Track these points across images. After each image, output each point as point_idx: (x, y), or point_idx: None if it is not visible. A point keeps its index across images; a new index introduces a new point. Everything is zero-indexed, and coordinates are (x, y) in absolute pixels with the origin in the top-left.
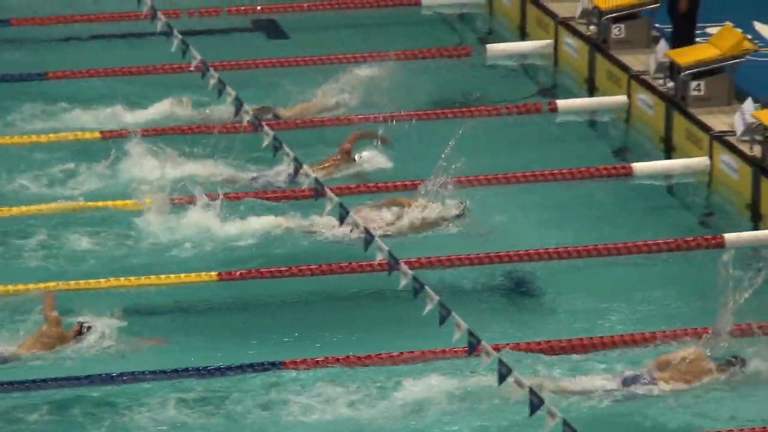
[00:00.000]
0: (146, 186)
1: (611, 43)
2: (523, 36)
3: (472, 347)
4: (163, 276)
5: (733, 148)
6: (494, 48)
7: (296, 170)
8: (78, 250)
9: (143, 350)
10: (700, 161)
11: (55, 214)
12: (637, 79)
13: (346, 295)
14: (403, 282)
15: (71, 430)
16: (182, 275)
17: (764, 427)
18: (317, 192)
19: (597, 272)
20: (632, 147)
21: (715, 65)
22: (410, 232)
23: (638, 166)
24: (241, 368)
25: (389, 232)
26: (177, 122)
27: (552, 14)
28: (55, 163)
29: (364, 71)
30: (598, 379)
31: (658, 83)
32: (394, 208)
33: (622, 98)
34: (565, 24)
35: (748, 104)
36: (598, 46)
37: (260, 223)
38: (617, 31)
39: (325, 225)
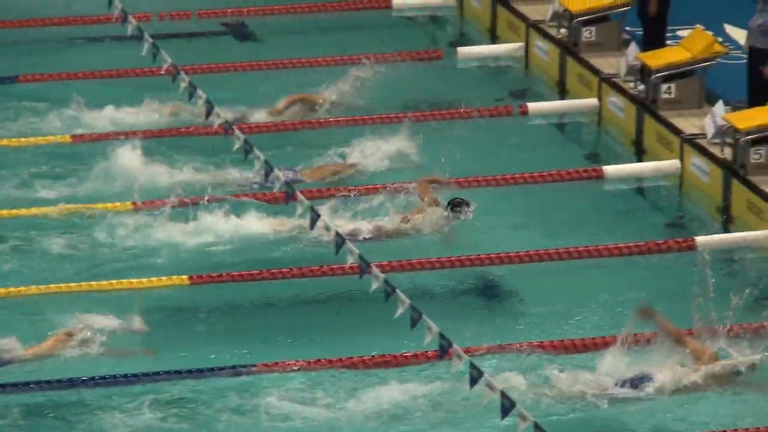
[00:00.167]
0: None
1: (582, 46)
2: (494, 39)
3: (444, 350)
4: (134, 280)
5: (704, 151)
6: (465, 51)
7: (267, 174)
8: (51, 253)
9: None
10: (671, 164)
11: (28, 217)
12: (608, 81)
13: (318, 299)
14: (375, 285)
15: None
16: (154, 279)
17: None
18: (288, 195)
19: (568, 275)
20: (603, 150)
21: (686, 68)
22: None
23: (609, 169)
24: (213, 371)
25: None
26: (153, 125)
27: (523, 17)
28: (25, 166)
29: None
30: (600, 381)
31: (628, 86)
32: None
33: (593, 101)
34: (536, 27)
35: (719, 107)
36: (569, 49)
37: (243, 225)
38: (588, 34)
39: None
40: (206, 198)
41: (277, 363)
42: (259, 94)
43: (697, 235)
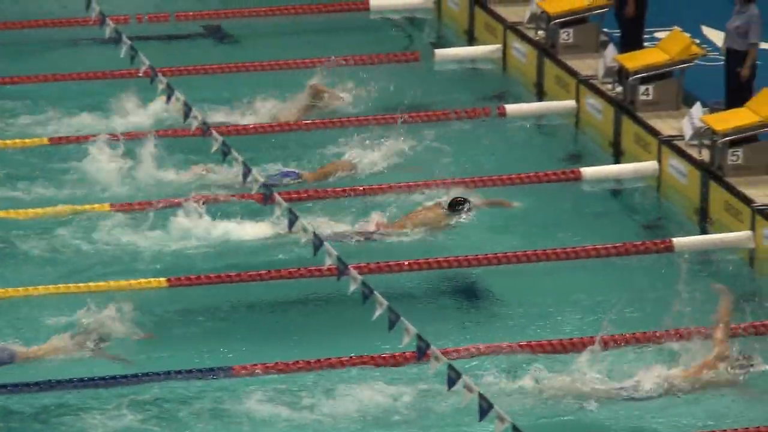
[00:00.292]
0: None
1: (560, 47)
2: (472, 41)
3: (422, 352)
4: (112, 282)
5: (681, 153)
6: (443, 53)
7: (246, 174)
8: (30, 256)
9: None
10: (649, 165)
11: (6, 219)
12: (586, 83)
13: (297, 301)
14: (353, 287)
15: None
16: (132, 281)
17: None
18: (266, 198)
19: (546, 276)
20: (581, 151)
21: (664, 70)
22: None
23: (587, 171)
24: (191, 373)
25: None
26: (131, 127)
27: (500, 19)
28: (2, 168)
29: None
30: (603, 380)
31: (606, 88)
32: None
33: (571, 103)
34: (514, 29)
35: (697, 109)
36: (547, 50)
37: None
38: (566, 35)
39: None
40: (187, 200)
41: (256, 365)
42: (237, 96)
43: (674, 237)
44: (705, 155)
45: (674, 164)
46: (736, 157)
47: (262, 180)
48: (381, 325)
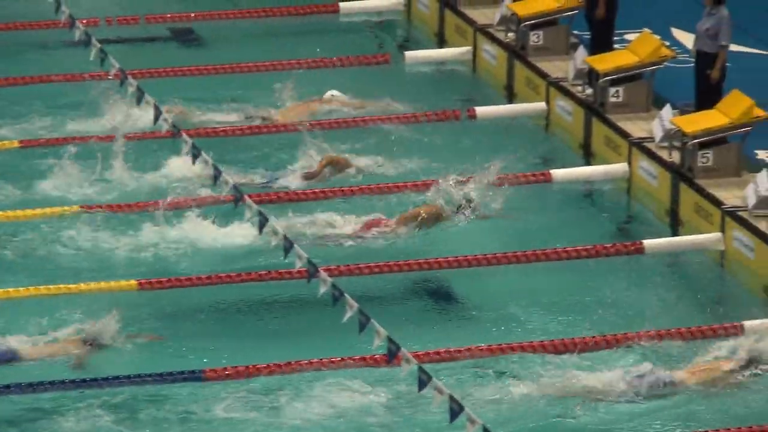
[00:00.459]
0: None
1: (530, 49)
2: (442, 43)
3: (392, 354)
4: (83, 284)
5: (652, 155)
6: (413, 55)
7: (216, 177)
8: (2, 258)
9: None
10: (619, 167)
11: None
12: (556, 85)
13: (268, 303)
14: (323, 289)
15: None
16: (102, 283)
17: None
18: (236, 198)
19: (516, 279)
20: (551, 153)
21: (634, 71)
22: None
23: (557, 173)
24: (162, 377)
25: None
26: (100, 130)
27: (470, 21)
28: None
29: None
30: (610, 377)
31: (576, 90)
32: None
33: (541, 105)
34: (484, 31)
35: (667, 110)
36: (517, 52)
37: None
38: (535, 37)
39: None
40: (163, 202)
41: (226, 368)
42: (206, 99)
43: (645, 239)
44: (675, 157)
45: (644, 166)
46: (706, 159)
47: (246, 181)
48: (352, 328)
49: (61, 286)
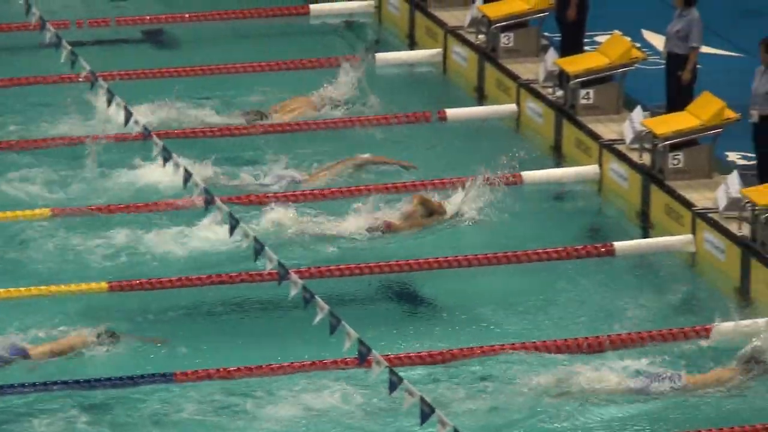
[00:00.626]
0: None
1: (500, 51)
2: (412, 45)
3: (363, 357)
4: (53, 286)
5: (622, 157)
6: (383, 57)
7: (186, 179)
8: None
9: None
10: (590, 169)
11: None
12: (527, 87)
13: (239, 305)
14: (293, 292)
15: None
16: (72, 285)
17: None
18: (207, 201)
19: (487, 281)
20: (522, 155)
21: (604, 73)
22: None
23: (528, 175)
24: (132, 380)
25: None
26: (71, 132)
27: (441, 23)
28: None
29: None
30: (618, 378)
31: (547, 92)
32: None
33: (512, 107)
34: (454, 33)
35: (637, 112)
36: (487, 54)
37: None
38: (506, 39)
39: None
40: (131, 204)
41: (197, 371)
42: (179, 101)
43: (616, 241)
44: (646, 159)
45: (615, 168)
46: (677, 160)
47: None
48: (323, 330)
49: (32, 288)
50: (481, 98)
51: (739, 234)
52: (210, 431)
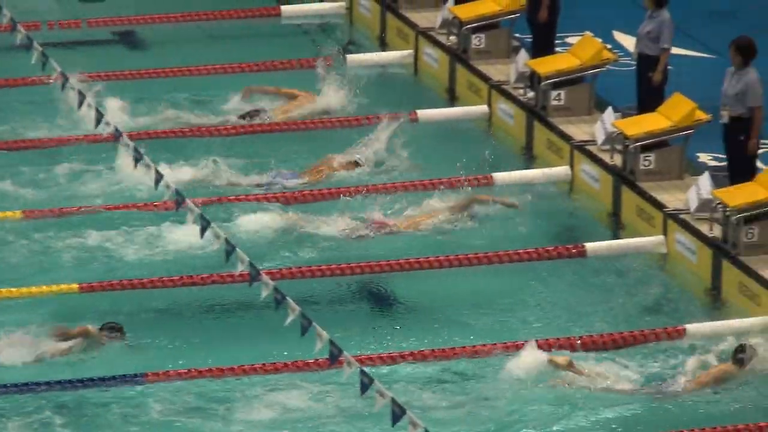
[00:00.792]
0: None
1: (471, 53)
2: (384, 46)
3: (334, 358)
4: (24, 288)
5: (593, 158)
6: (354, 58)
7: (158, 180)
8: None
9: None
10: (561, 170)
11: None
12: (498, 88)
13: (210, 307)
14: (264, 293)
15: None
16: (43, 287)
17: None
18: (178, 203)
19: (458, 282)
20: (493, 157)
21: (576, 75)
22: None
23: (499, 176)
24: (104, 380)
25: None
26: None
27: (412, 24)
28: None
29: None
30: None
31: (518, 93)
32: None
33: (483, 108)
34: (425, 34)
35: (609, 114)
36: (459, 56)
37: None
38: (477, 41)
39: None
40: (102, 206)
41: (168, 372)
42: (150, 103)
43: (587, 242)
44: (617, 160)
45: (586, 169)
46: (648, 161)
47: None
48: (295, 331)
49: (2, 290)
50: (452, 99)
51: (710, 235)
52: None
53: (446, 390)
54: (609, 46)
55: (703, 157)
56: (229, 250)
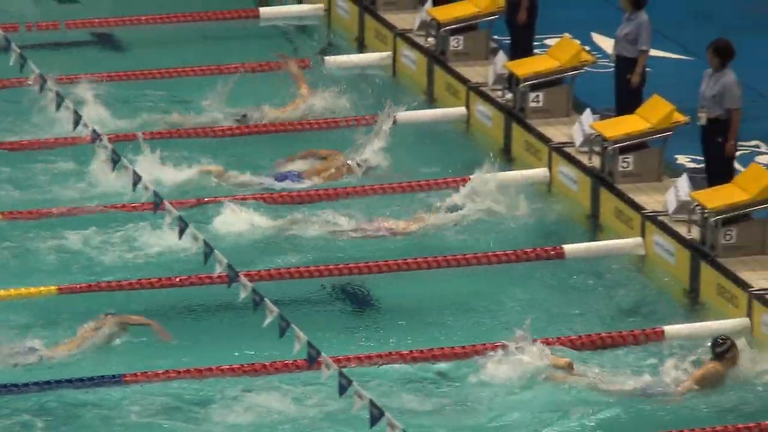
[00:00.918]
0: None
1: (449, 54)
2: (362, 48)
3: (312, 359)
4: (2, 290)
5: (572, 160)
6: (333, 60)
7: (135, 183)
8: None
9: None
10: (540, 172)
11: None
12: (476, 90)
13: (188, 308)
14: (243, 294)
15: None
16: (22, 289)
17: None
18: (156, 205)
19: (436, 284)
20: (471, 159)
21: (554, 77)
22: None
23: (477, 178)
24: (82, 381)
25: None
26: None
27: (390, 26)
28: None
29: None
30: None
31: (496, 95)
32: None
33: (461, 110)
34: (404, 36)
35: (587, 115)
36: (437, 58)
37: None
38: (455, 42)
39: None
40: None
41: (146, 373)
42: (128, 105)
43: (565, 244)
44: (595, 162)
45: (565, 171)
46: (626, 163)
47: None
48: (273, 333)
49: None
50: (430, 101)
51: (688, 237)
52: None
53: (425, 391)
54: (587, 48)
55: (682, 159)
56: (208, 252)
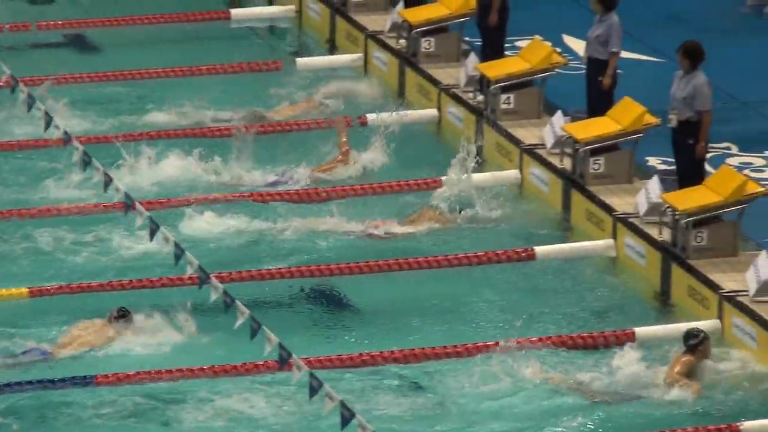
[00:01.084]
0: None
1: (421, 56)
2: (333, 50)
3: (283, 361)
4: None
5: (543, 161)
6: (304, 62)
7: (107, 184)
8: None
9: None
10: (511, 174)
11: None
12: (448, 92)
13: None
14: (214, 296)
15: None
16: None
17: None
18: (127, 206)
19: (407, 286)
20: (442, 160)
21: (525, 78)
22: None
23: (447, 180)
24: (53, 382)
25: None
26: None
27: (361, 28)
28: None
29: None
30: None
31: (468, 96)
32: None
33: (432, 112)
34: (375, 38)
35: (558, 117)
36: (408, 59)
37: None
38: (427, 44)
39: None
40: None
41: (117, 374)
42: (100, 106)
43: (536, 245)
44: (567, 164)
45: (536, 173)
46: (597, 165)
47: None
48: (245, 334)
49: None
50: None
51: (659, 239)
52: None
53: (397, 393)
54: (558, 50)
55: (653, 161)
56: (179, 253)
